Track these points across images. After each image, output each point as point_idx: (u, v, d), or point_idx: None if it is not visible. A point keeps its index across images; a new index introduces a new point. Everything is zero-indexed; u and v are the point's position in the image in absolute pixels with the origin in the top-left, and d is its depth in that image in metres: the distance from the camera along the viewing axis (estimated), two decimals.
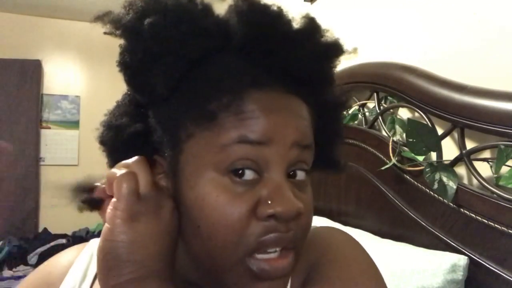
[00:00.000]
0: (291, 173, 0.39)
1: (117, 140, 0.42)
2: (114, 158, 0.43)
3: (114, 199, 0.36)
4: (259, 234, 0.36)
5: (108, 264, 0.35)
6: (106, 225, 0.36)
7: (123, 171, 0.37)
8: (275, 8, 0.39)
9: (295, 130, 0.38)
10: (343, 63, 0.45)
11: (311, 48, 0.40)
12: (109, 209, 0.36)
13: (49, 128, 3.63)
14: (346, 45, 0.43)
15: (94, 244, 0.52)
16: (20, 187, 3.44)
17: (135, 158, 0.39)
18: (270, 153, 0.37)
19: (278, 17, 0.39)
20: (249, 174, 0.37)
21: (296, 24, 0.40)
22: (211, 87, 0.37)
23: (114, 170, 0.38)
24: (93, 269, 0.48)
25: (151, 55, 0.37)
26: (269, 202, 0.36)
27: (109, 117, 0.44)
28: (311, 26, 0.40)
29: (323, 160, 0.46)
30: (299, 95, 0.40)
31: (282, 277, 0.38)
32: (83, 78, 3.71)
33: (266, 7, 0.38)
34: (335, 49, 0.42)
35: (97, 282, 0.41)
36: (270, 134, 0.37)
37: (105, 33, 0.39)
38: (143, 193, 0.37)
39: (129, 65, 0.39)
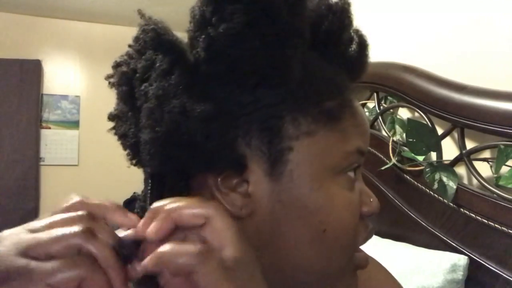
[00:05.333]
0: None
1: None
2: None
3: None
4: (364, 231, 0.38)
5: None
6: None
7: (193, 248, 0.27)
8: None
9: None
10: None
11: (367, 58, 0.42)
12: None
13: (49, 128, 3.62)
14: None
15: None
16: (20, 187, 3.43)
17: (207, 201, 0.30)
18: (363, 160, 0.39)
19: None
20: (352, 174, 0.37)
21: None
22: (325, 84, 0.36)
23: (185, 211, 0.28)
24: None
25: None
26: (371, 200, 0.38)
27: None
28: (364, 38, 0.43)
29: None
30: None
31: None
32: (83, 78, 3.70)
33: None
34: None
35: None
36: (368, 145, 0.39)
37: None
38: (236, 258, 0.28)
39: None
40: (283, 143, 0.34)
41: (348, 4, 0.39)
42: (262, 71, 0.33)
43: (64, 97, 3.67)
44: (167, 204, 0.29)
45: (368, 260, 0.40)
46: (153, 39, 0.35)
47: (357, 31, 0.41)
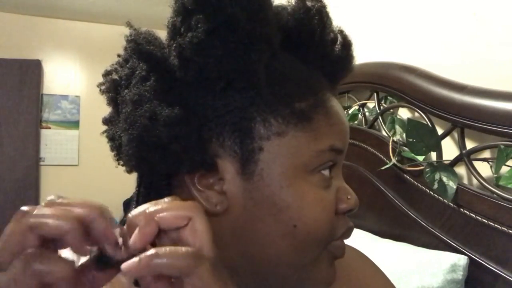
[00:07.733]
0: None
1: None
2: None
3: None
4: (342, 227, 0.39)
5: None
6: None
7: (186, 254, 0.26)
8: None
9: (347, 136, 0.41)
10: None
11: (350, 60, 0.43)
12: None
13: (49, 128, 3.63)
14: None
15: None
16: (20, 187, 3.43)
17: (188, 203, 0.29)
18: (340, 158, 0.39)
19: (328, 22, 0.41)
20: (327, 172, 0.38)
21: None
22: (297, 86, 0.37)
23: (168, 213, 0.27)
24: None
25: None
26: (348, 197, 0.39)
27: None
28: (348, 38, 0.43)
29: None
30: None
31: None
32: (83, 78, 3.70)
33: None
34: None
35: None
36: (347, 144, 0.40)
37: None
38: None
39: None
40: (254, 144, 0.35)
41: (324, 6, 0.40)
42: (229, 76, 0.35)
43: (64, 97, 3.67)
44: (147, 208, 0.28)
45: (345, 250, 0.40)
46: (133, 49, 0.38)
47: (341, 32, 0.42)
